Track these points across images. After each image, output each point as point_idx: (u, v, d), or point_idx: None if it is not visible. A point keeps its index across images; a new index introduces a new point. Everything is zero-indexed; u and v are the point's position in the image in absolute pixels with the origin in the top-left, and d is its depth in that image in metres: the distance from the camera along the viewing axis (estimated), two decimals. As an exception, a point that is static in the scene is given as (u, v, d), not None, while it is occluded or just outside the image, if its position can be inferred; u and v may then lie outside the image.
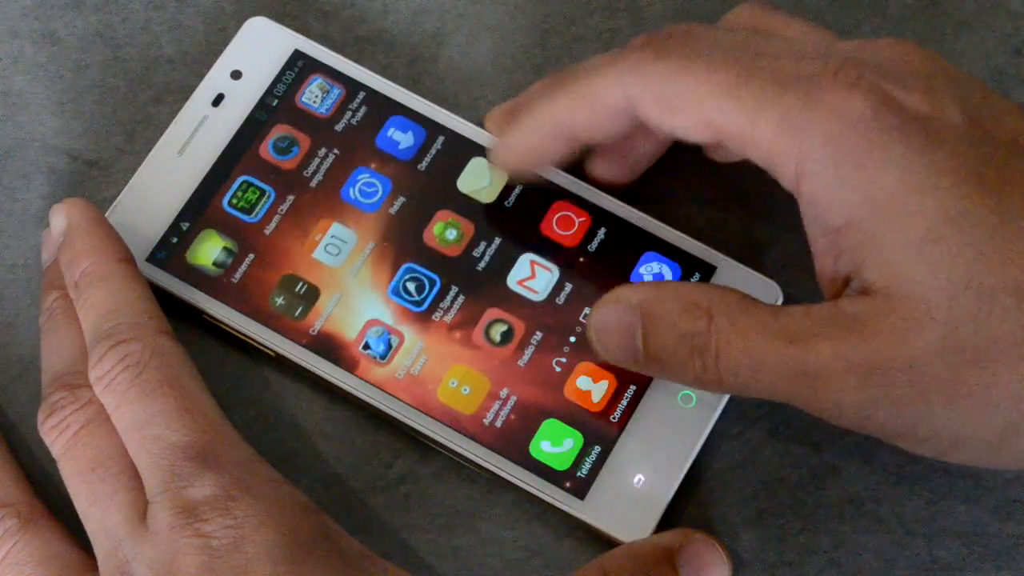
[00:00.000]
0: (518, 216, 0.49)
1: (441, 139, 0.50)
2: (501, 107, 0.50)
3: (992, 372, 0.39)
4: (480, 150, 0.50)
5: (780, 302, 0.48)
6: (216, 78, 0.51)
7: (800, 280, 0.49)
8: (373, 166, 0.50)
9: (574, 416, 0.47)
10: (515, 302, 0.48)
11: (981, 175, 0.40)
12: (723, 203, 0.50)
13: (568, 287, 0.48)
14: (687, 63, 0.43)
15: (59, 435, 0.45)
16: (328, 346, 0.48)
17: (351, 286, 0.48)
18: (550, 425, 0.47)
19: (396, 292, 0.48)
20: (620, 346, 0.43)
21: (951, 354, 0.39)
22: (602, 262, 0.49)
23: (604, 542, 0.46)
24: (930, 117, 0.41)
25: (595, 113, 0.44)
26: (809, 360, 0.40)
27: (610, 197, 0.49)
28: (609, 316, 0.43)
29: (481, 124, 0.50)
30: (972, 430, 0.40)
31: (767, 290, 0.48)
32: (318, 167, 0.50)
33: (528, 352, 0.48)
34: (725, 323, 0.41)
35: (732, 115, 0.42)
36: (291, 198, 0.49)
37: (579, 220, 0.49)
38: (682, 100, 0.43)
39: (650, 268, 0.49)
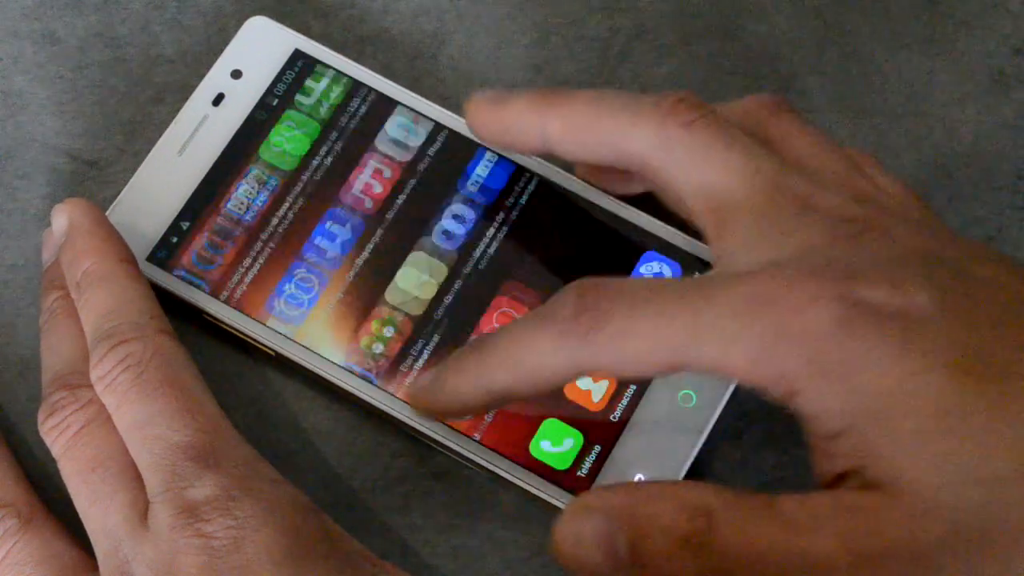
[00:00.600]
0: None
1: (443, 137, 0.50)
2: (485, 94, 0.48)
3: (1004, 558, 0.38)
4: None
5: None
6: (216, 78, 0.51)
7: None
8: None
9: (574, 416, 0.47)
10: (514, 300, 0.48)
11: (963, 362, 0.39)
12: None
13: (568, 287, 0.48)
14: (629, 324, 0.40)
15: (59, 435, 0.45)
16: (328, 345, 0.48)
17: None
18: (550, 425, 0.47)
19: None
20: (597, 557, 0.39)
21: (962, 544, 0.38)
22: (602, 262, 0.49)
23: (604, 542, 0.46)
24: (901, 311, 0.39)
25: (540, 386, 0.42)
26: (813, 550, 0.39)
27: (610, 198, 0.49)
28: (582, 526, 0.39)
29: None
30: None
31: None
32: (319, 165, 0.50)
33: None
34: (726, 519, 0.39)
35: (700, 360, 0.40)
36: (290, 197, 0.49)
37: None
38: (640, 363, 0.41)
39: (650, 268, 0.49)
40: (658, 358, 0.40)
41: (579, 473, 0.46)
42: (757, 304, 0.40)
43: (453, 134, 0.50)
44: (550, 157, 0.48)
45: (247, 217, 0.49)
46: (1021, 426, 0.38)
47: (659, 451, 0.46)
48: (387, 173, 0.50)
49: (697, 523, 0.39)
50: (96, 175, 0.51)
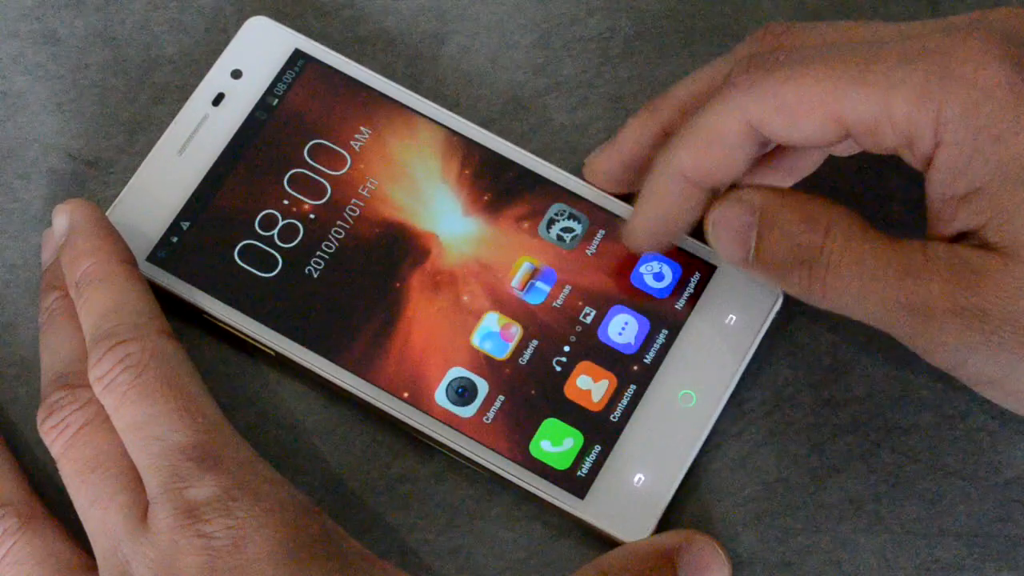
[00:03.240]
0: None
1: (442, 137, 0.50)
2: (599, 155, 0.49)
3: None
4: (480, 146, 0.50)
5: (780, 301, 0.48)
6: (216, 77, 0.51)
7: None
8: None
9: (574, 416, 0.47)
10: (515, 303, 0.48)
11: None
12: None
13: (567, 288, 0.48)
14: (801, 67, 0.42)
15: (59, 435, 0.45)
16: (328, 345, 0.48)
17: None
18: (550, 424, 0.47)
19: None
20: (733, 243, 0.44)
21: None
22: (602, 262, 0.49)
23: (604, 542, 0.46)
24: None
25: (722, 151, 0.44)
26: (919, 295, 0.41)
27: (610, 197, 0.49)
28: (728, 212, 0.44)
29: (483, 126, 0.50)
30: None
31: (767, 290, 0.48)
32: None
33: (528, 352, 0.48)
34: (840, 242, 0.42)
35: (862, 102, 0.42)
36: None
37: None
38: (805, 104, 0.42)
39: (650, 267, 0.49)
40: (822, 103, 0.42)
41: (579, 473, 0.46)
42: (928, 52, 0.41)
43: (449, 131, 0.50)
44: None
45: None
46: None
47: (659, 451, 0.46)
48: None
49: (814, 236, 0.42)
50: (96, 175, 0.51)
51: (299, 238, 0.49)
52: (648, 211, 0.46)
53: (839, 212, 0.42)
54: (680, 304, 0.48)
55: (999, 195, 0.41)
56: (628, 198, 0.49)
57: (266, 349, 0.48)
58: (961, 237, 0.42)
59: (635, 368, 0.47)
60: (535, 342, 0.48)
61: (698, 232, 0.49)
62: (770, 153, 0.46)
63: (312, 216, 0.49)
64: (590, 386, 0.47)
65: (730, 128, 0.43)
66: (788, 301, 0.48)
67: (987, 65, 0.41)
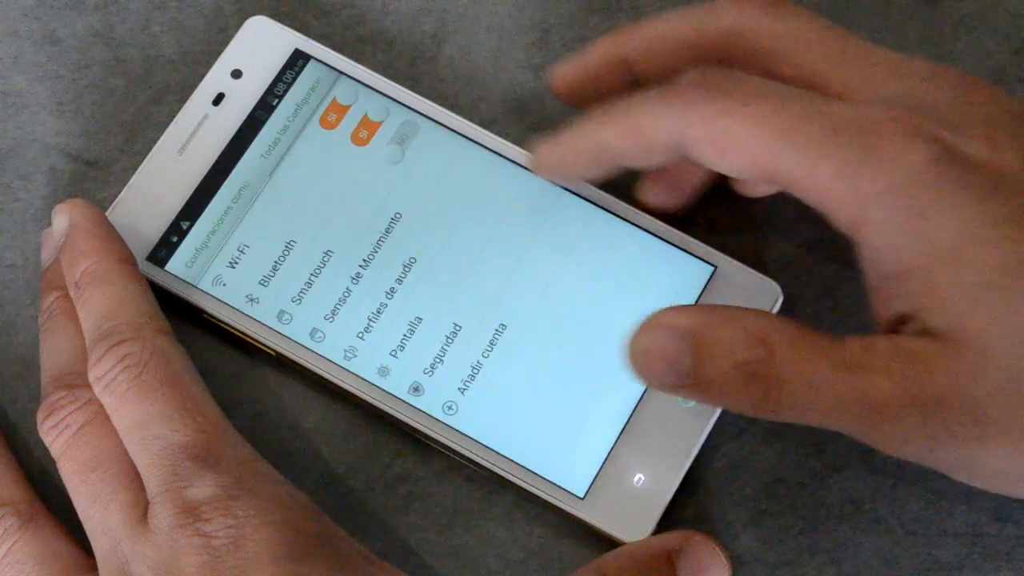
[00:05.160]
0: None
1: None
2: (564, 66, 0.49)
3: None
4: (477, 145, 0.50)
5: (780, 301, 0.48)
6: (216, 77, 0.51)
7: (800, 280, 0.49)
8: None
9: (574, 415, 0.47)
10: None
11: None
12: (723, 202, 0.50)
13: (568, 287, 0.48)
14: (740, 105, 0.42)
15: (59, 435, 0.45)
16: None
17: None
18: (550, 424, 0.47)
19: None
20: (665, 372, 0.42)
21: (1012, 398, 0.39)
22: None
23: (604, 542, 0.46)
24: (990, 166, 0.41)
25: (643, 144, 0.44)
26: (872, 391, 0.40)
27: (608, 195, 0.49)
28: (654, 341, 0.42)
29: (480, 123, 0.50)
30: None
31: (767, 290, 0.48)
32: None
33: (528, 352, 0.48)
34: (785, 351, 0.41)
35: (788, 161, 0.41)
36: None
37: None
38: (735, 143, 0.42)
39: (650, 268, 0.49)
40: (752, 148, 0.42)
41: (579, 473, 0.46)
42: (858, 127, 0.41)
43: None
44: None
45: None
46: None
47: (659, 451, 0.46)
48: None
49: (757, 352, 0.41)
50: (96, 175, 0.51)
51: (299, 238, 0.49)
52: (557, 152, 0.46)
53: (777, 322, 0.42)
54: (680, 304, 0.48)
55: (931, 276, 0.40)
56: (628, 199, 0.49)
57: (266, 349, 0.48)
58: (903, 319, 0.41)
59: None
60: (535, 342, 0.48)
61: (698, 232, 0.49)
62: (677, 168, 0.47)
63: (312, 216, 0.49)
64: (590, 386, 0.47)
65: (661, 133, 0.43)
66: (788, 301, 0.48)
67: (914, 146, 0.40)
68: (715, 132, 0.42)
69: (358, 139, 0.50)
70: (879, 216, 0.41)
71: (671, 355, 0.41)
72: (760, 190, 0.49)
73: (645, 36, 0.47)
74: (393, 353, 0.47)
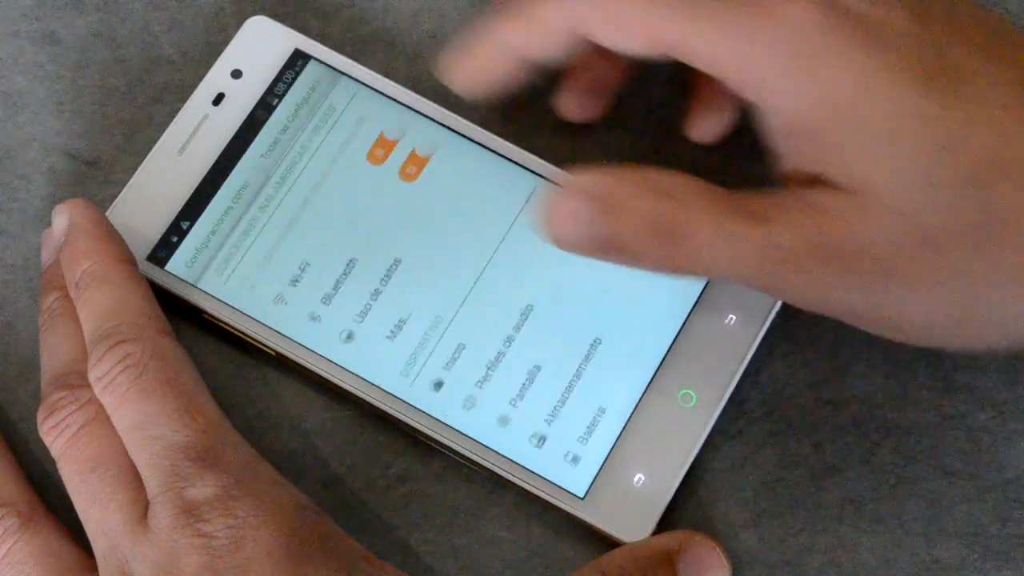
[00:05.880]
0: None
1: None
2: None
3: (945, 258, 0.41)
4: (475, 145, 0.50)
5: (780, 302, 0.48)
6: (216, 77, 0.51)
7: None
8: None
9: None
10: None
11: (930, 72, 0.41)
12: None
13: (568, 287, 0.48)
14: None
15: (59, 435, 0.45)
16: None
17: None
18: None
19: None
20: (579, 233, 0.42)
21: (908, 242, 0.40)
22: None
23: (604, 542, 0.46)
24: (877, 19, 0.42)
25: (544, 35, 0.45)
26: (774, 240, 0.41)
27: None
28: (561, 203, 0.43)
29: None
30: (929, 313, 0.42)
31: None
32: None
33: (528, 352, 0.48)
34: (693, 204, 0.42)
35: (684, 32, 0.42)
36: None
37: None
38: (631, 18, 0.43)
39: (650, 268, 0.49)
40: (650, 23, 0.43)
41: (579, 473, 0.46)
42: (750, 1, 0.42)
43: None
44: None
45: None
46: (979, 131, 0.40)
47: (659, 451, 0.46)
48: None
49: (664, 204, 0.42)
50: (96, 175, 0.51)
51: (299, 238, 0.49)
52: (465, 62, 0.47)
53: (681, 177, 0.42)
54: (680, 304, 0.48)
55: (830, 132, 0.41)
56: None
57: (266, 349, 0.48)
58: (810, 180, 0.42)
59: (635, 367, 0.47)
60: (535, 342, 0.48)
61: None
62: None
63: (312, 216, 0.49)
64: (590, 386, 0.47)
65: (557, 20, 0.44)
66: (788, 301, 0.48)
67: (805, 7, 0.41)
68: (611, 11, 0.43)
69: (406, 174, 0.50)
70: (774, 76, 0.42)
71: (584, 216, 0.42)
72: (713, 130, 0.49)
73: None
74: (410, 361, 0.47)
